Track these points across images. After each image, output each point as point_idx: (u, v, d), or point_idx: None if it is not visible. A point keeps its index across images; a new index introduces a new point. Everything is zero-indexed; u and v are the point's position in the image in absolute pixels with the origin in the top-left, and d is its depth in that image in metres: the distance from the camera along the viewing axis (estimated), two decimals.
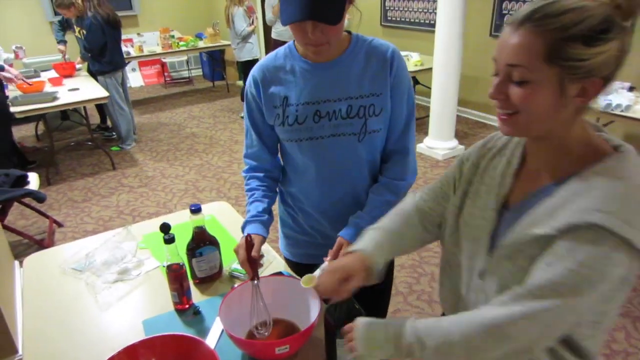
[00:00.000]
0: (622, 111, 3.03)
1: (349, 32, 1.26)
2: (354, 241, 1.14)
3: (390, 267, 1.50)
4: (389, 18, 6.01)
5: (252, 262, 1.18)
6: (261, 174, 1.39)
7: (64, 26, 5.00)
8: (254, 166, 1.39)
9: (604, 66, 0.74)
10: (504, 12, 4.70)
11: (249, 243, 1.20)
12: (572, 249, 0.73)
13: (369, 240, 1.07)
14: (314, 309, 1.13)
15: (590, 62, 0.73)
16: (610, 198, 0.73)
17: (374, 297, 1.47)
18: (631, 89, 3.30)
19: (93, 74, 4.80)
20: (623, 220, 0.71)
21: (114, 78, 4.71)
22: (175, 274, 1.26)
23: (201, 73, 8.19)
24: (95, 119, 5.65)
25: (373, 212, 1.25)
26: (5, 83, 4.25)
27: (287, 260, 1.53)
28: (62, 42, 5.08)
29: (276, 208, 1.45)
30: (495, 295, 0.85)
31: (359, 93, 1.22)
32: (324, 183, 1.32)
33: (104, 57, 4.58)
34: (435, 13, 4.12)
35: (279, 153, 1.42)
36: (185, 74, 8.07)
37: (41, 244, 3.17)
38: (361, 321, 0.91)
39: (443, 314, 1.17)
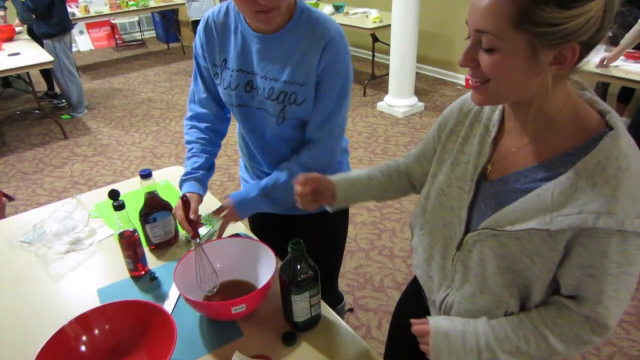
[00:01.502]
0: None
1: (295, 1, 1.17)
2: (238, 206, 1.25)
3: (344, 223, 1.52)
4: None
5: (192, 222, 1.18)
6: (203, 125, 1.35)
7: None
8: (198, 114, 1.35)
9: (583, 30, 0.65)
10: None
11: (185, 203, 1.19)
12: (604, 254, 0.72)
13: (345, 176, 1.12)
14: (270, 268, 1.13)
15: (566, 27, 0.64)
16: (614, 197, 0.69)
17: (326, 254, 1.48)
18: None
19: (37, 37, 4.48)
20: (634, 216, 0.69)
21: (63, 42, 4.39)
22: (128, 241, 1.24)
23: (154, 35, 7.82)
24: (41, 85, 5.35)
25: (264, 188, 1.26)
26: None
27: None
28: (1, 7, 4.71)
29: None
30: (476, 267, 0.86)
31: (282, 78, 1.17)
32: (255, 149, 1.34)
33: (51, 17, 4.21)
34: None
35: None
36: (138, 36, 7.69)
37: None
38: (438, 331, 0.87)
39: (414, 280, 1.19)
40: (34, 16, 4.25)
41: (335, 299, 1.77)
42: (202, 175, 1.31)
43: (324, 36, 1.13)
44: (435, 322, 0.89)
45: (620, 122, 0.73)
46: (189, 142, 1.35)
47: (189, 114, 1.38)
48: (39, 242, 1.43)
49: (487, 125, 0.88)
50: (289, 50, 1.16)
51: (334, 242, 1.52)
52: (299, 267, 1.03)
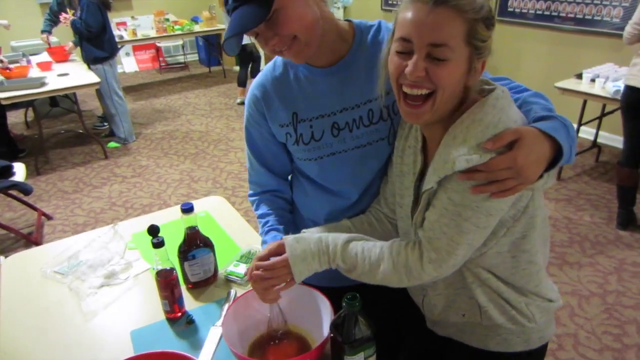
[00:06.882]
0: None
1: (350, 21, 1.06)
2: None
3: None
4: (389, 2, 5.84)
5: None
6: (269, 196, 1.22)
7: (56, 17, 4.62)
8: (260, 191, 1.23)
9: (490, 48, 0.83)
10: None
11: None
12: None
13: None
14: (325, 320, 1.02)
15: (487, 44, 0.82)
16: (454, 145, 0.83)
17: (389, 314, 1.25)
18: None
19: (87, 63, 4.51)
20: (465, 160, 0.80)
21: (112, 65, 4.40)
22: (166, 281, 1.15)
23: (197, 58, 7.99)
24: (86, 105, 5.48)
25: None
26: None
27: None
28: (47, 32, 4.84)
29: None
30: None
31: (375, 94, 1.01)
32: (355, 197, 1.13)
33: (102, 41, 4.24)
34: None
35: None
36: (181, 59, 7.87)
37: (28, 239, 3.04)
38: (295, 256, 0.96)
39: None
40: (87, 39, 4.22)
41: None
42: None
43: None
44: (291, 247, 0.96)
45: (494, 93, 0.84)
46: (261, 216, 1.19)
47: (250, 191, 1.25)
48: (73, 274, 1.36)
49: (416, 137, 0.98)
50: (367, 66, 1.02)
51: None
52: (354, 325, 0.91)
